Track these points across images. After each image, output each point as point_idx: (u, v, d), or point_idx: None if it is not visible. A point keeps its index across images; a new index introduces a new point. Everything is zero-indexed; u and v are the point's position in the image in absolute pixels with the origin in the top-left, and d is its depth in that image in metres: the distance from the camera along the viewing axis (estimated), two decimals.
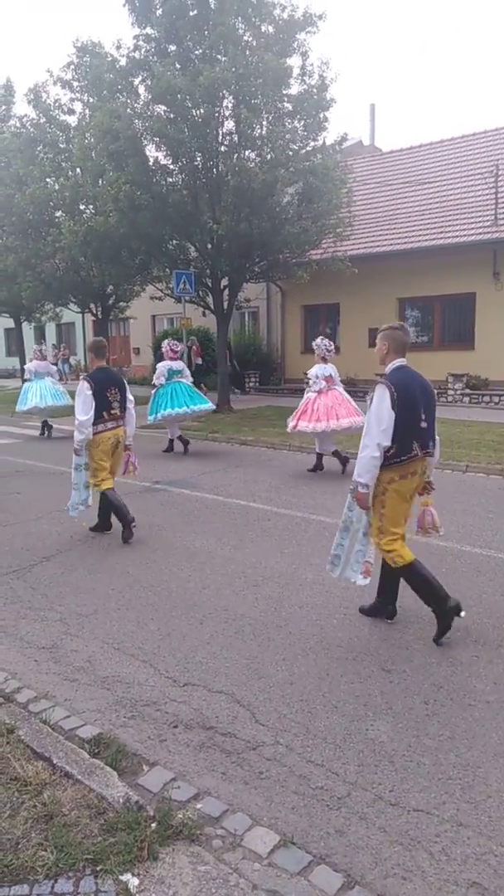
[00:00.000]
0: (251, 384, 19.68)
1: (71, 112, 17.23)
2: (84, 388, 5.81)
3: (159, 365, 10.65)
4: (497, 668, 3.47)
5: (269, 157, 13.09)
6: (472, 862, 2.19)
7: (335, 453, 8.73)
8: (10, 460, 10.25)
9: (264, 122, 13.43)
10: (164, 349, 10.60)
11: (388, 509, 3.87)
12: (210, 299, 15.21)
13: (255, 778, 2.63)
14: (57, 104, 17.12)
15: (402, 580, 3.97)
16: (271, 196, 12.77)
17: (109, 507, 6.05)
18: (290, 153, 13.33)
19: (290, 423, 8.71)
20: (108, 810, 2.35)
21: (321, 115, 13.52)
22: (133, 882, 2.07)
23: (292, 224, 13.36)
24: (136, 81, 13.97)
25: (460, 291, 16.43)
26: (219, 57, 13.03)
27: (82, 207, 16.14)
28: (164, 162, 13.87)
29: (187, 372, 10.73)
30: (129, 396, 6.12)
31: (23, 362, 22.70)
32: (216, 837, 2.30)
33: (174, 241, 14.75)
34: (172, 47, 13.47)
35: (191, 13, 12.97)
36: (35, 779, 2.51)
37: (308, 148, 13.78)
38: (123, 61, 13.96)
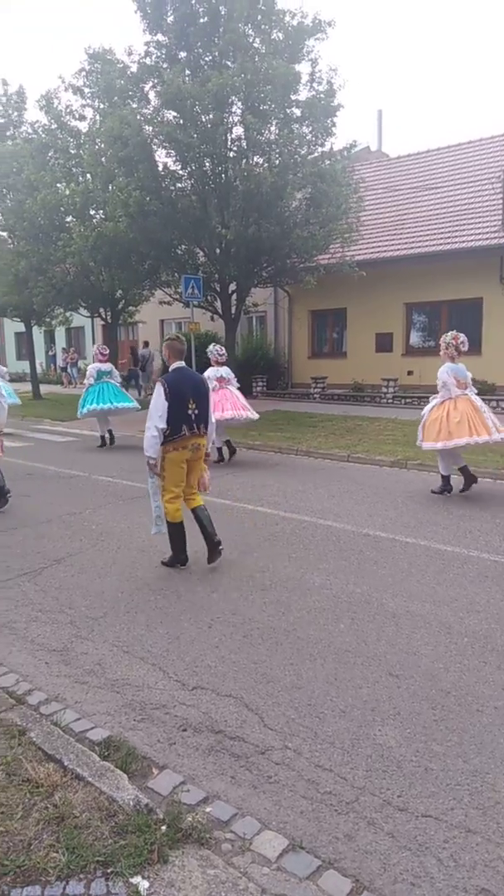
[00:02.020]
0: (258, 388, 19.71)
1: (82, 118, 17.35)
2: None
3: (90, 367, 12.38)
4: None
5: (277, 161, 13.14)
6: (481, 868, 2.20)
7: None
8: (21, 463, 10.30)
9: (273, 128, 13.49)
10: (94, 352, 12.53)
11: (167, 473, 5.13)
12: (218, 304, 15.27)
13: (264, 782, 2.65)
14: (68, 110, 17.25)
15: None
16: (280, 200, 12.83)
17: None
18: (299, 158, 13.39)
19: None
20: (119, 813, 2.37)
21: (329, 121, 13.58)
22: (143, 885, 2.08)
23: (301, 229, 13.41)
24: (147, 87, 14.08)
25: (467, 297, 16.41)
26: (228, 63, 13.11)
27: (92, 213, 16.24)
28: (173, 167, 13.96)
29: (116, 373, 12.36)
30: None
31: (34, 367, 22.80)
32: (225, 841, 2.32)
33: (183, 246, 14.83)
34: (183, 54, 13.57)
35: (201, 20, 13.07)
36: (46, 781, 2.53)
37: (316, 153, 13.84)
38: (134, 68, 14.08)
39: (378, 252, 17.22)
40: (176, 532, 5.27)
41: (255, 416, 10.24)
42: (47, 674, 3.55)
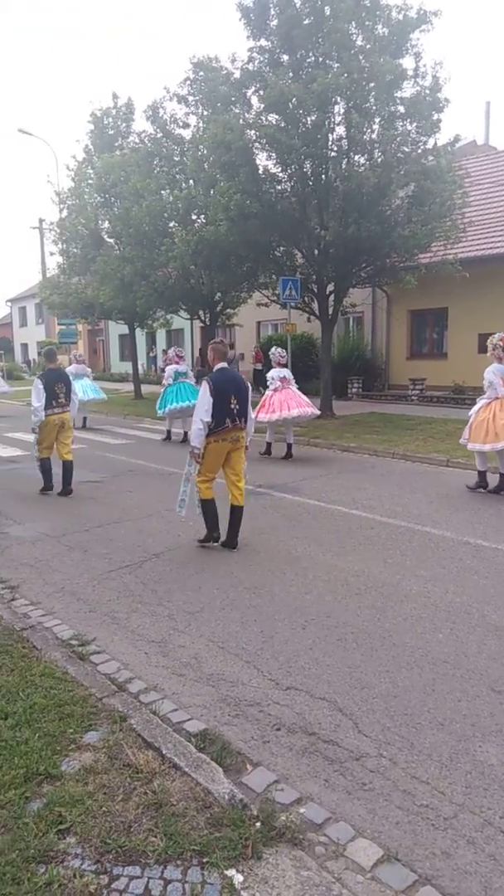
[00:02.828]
0: (354, 390, 19.47)
1: (186, 126, 17.83)
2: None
3: (167, 368, 12.86)
4: None
5: (379, 160, 12.91)
6: None
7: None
8: (123, 460, 10.74)
9: (375, 126, 13.27)
10: (170, 354, 13.09)
11: (206, 461, 5.72)
12: (315, 305, 15.21)
13: (358, 788, 2.61)
14: (173, 119, 17.78)
15: None
16: (382, 199, 12.59)
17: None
18: (402, 156, 13.09)
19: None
20: (214, 805, 2.42)
21: (435, 117, 13.18)
22: (238, 878, 2.11)
23: (402, 227, 13.10)
24: (249, 93, 14.25)
25: None
26: (331, 63, 13.03)
27: (194, 217, 16.64)
28: (273, 170, 14.04)
29: (190, 373, 12.91)
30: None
31: (136, 367, 23.69)
32: (319, 844, 2.30)
33: (281, 248, 14.89)
34: (285, 57, 13.62)
35: (305, 21, 13.06)
36: (146, 767, 2.62)
37: (419, 150, 13.47)
38: (237, 74, 14.28)
39: (484, 249, 16.55)
40: (208, 509, 5.85)
41: (317, 411, 11.02)
42: (146, 664, 3.67)
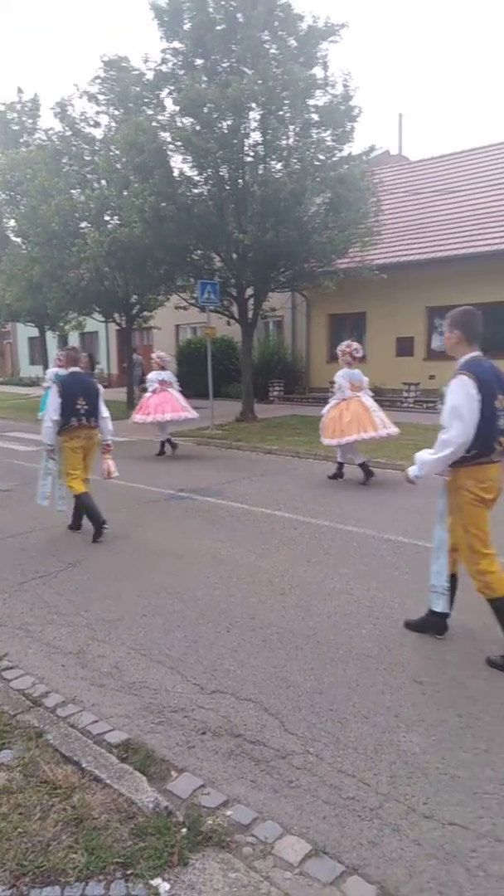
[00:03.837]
0: (275, 393, 19.66)
1: (97, 125, 17.47)
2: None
3: (48, 371, 11.92)
4: None
5: (296, 167, 13.13)
6: None
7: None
8: (34, 467, 10.34)
9: (291, 133, 13.49)
10: (56, 358, 12.49)
11: (65, 458, 6.27)
12: (235, 309, 15.26)
13: (285, 786, 2.59)
14: (83, 117, 17.37)
15: None
16: (299, 206, 12.79)
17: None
18: (318, 163, 13.37)
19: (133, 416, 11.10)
20: (138, 815, 2.34)
21: (349, 126, 13.55)
22: (164, 887, 2.04)
23: (319, 233, 13.36)
24: (163, 94, 14.16)
25: (491, 300, 16.25)
26: (245, 69, 13.14)
27: (107, 218, 16.33)
28: (189, 173, 14.00)
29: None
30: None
31: (45, 371, 22.96)
32: (246, 845, 2.27)
33: (199, 251, 14.84)
34: (199, 60, 13.63)
35: (218, 27, 13.12)
36: (65, 782, 2.50)
37: (335, 158, 13.80)
38: (150, 75, 14.16)
39: (399, 256, 17.13)
40: (83, 501, 6.18)
41: (195, 415, 11.22)
42: (64, 676, 3.52)
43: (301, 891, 2.07)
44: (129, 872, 2.08)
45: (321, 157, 13.47)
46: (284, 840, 2.29)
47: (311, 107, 13.44)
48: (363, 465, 8.63)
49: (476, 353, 3.69)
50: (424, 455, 3.66)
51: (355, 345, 8.93)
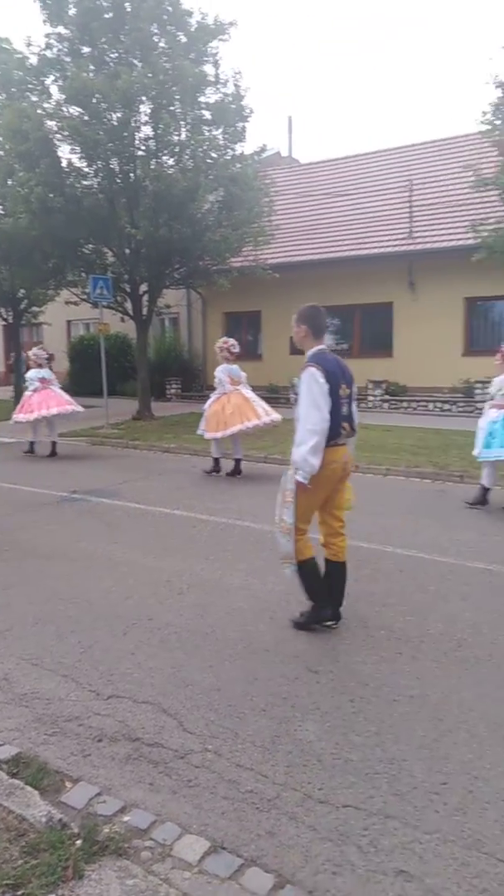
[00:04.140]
0: (173, 391, 19.53)
1: None
2: None
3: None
4: (419, 663, 3.58)
5: (189, 164, 13.08)
6: (399, 851, 2.23)
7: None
8: None
9: (182, 129, 13.43)
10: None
11: None
12: (129, 305, 15.00)
13: (184, 786, 2.59)
14: None
15: None
16: (192, 202, 12.75)
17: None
18: (210, 161, 13.39)
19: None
20: (30, 831, 2.24)
21: (240, 126, 13.67)
22: None
23: (213, 231, 13.39)
24: (48, 81, 13.64)
25: (379, 301, 16.98)
26: (134, 62, 12.93)
27: None
28: (78, 164, 13.58)
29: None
30: None
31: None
32: (145, 849, 2.24)
33: (90, 246, 14.45)
34: (86, 49, 13.24)
35: (105, 15, 12.81)
36: None
37: (228, 157, 13.88)
38: (34, 59, 13.59)
39: (292, 256, 17.50)
40: None
41: (80, 409, 11.04)
42: None
43: (200, 889, 2.07)
44: (19, 893, 1.99)
45: (213, 155, 13.51)
46: (183, 840, 2.29)
47: (202, 104, 13.44)
48: (238, 461, 8.91)
49: (321, 347, 4.01)
50: (298, 455, 3.79)
51: (231, 341, 9.18)
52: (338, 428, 3.84)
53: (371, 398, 16.05)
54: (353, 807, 2.45)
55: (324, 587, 4.06)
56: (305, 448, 3.73)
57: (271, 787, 2.58)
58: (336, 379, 3.84)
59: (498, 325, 16.25)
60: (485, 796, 2.50)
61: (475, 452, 7.20)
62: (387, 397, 16.03)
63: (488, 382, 15.67)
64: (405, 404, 15.82)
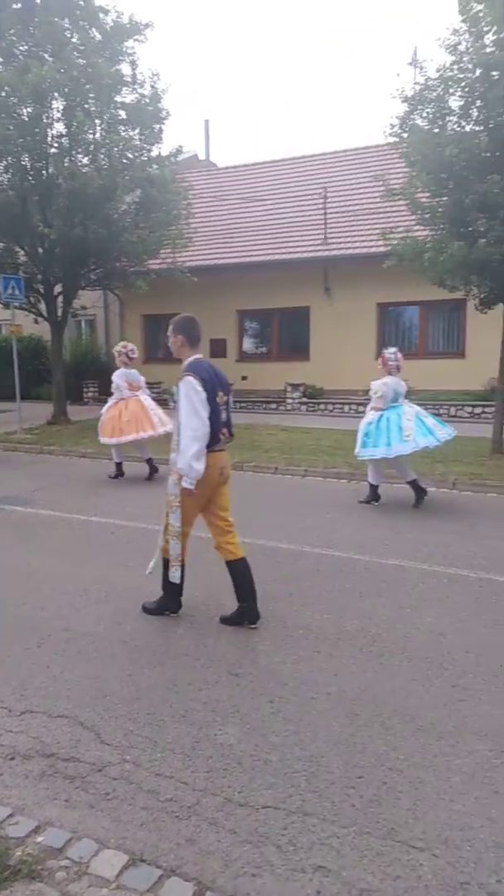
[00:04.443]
0: (90, 394, 19.09)
1: None
2: None
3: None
4: (336, 660, 3.66)
5: (105, 163, 12.84)
6: (318, 847, 2.27)
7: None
8: None
9: (98, 128, 13.17)
10: None
11: None
12: (43, 306, 14.55)
13: (102, 800, 2.53)
14: None
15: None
16: (108, 203, 12.52)
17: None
18: (126, 161, 13.21)
19: None
20: None
21: (157, 127, 13.56)
22: None
23: (130, 232, 13.20)
24: None
25: (296, 305, 17.26)
26: (46, 56, 12.57)
27: None
28: None
29: None
30: None
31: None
32: (60, 869, 2.17)
33: (1, 244, 13.93)
34: None
35: (14, 6, 12.39)
36: None
37: (144, 157, 13.73)
38: None
39: (209, 259, 17.51)
40: None
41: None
42: None
43: None
44: None
45: (130, 156, 13.33)
46: (101, 856, 2.23)
47: (118, 103, 13.24)
48: (149, 461, 8.89)
49: (198, 356, 4.16)
50: (182, 462, 3.87)
51: (130, 346, 9.23)
52: (217, 434, 3.96)
53: (289, 401, 16.29)
54: (273, 807, 2.48)
55: (178, 589, 4.24)
56: (189, 455, 3.83)
57: (191, 793, 2.56)
58: (213, 386, 3.97)
59: (408, 330, 16.92)
60: (398, 786, 2.59)
61: (355, 452, 7.56)
62: (304, 400, 16.31)
63: None
64: (322, 406, 16.15)
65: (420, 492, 7.31)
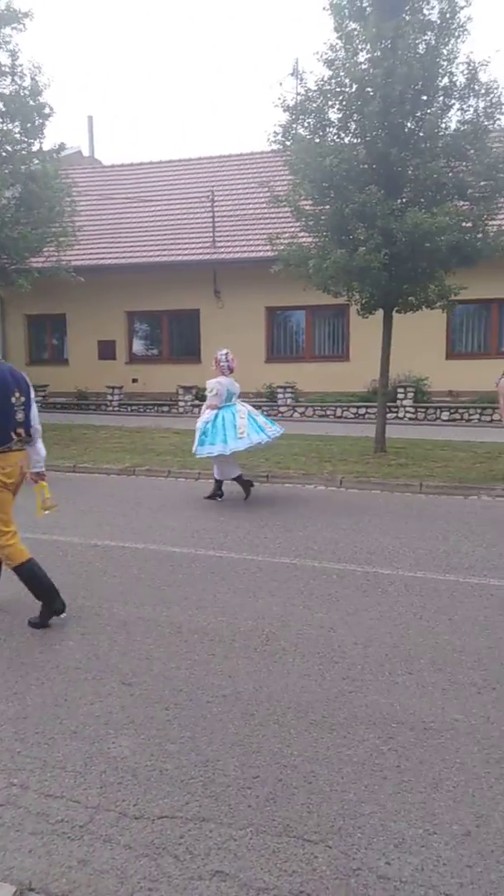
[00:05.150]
0: None
1: None
2: None
3: None
4: (231, 662, 3.68)
5: None
6: (215, 852, 2.27)
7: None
8: None
9: None
10: None
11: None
12: None
13: None
14: None
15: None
16: None
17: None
18: (5, 154, 12.62)
19: None
20: None
21: (38, 121, 13.06)
22: None
23: (10, 228, 12.60)
24: None
25: (186, 307, 17.23)
26: None
27: None
28: None
29: None
30: None
31: None
32: None
33: None
34: None
35: None
36: None
37: (24, 152, 13.16)
38: None
39: (96, 259, 17.09)
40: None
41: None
42: None
43: None
44: None
45: (8, 149, 12.75)
46: None
47: None
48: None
49: None
50: None
51: None
52: (8, 434, 4.02)
53: (182, 404, 16.23)
54: (169, 816, 2.45)
55: (46, 584, 4.19)
56: None
57: (84, 812, 2.48)
58: (7, 386, 4.03)
59: (295, 334, 17.38)
60: (293, 782, 2.64)
61: (193, 450, 7.78)
62: (197, 402, 16.29)
63: (290, 388, 16.67)
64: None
65: (247, 485, 7.73)
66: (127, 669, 3.60)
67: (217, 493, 7.78)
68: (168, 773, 2.71)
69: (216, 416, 7.54)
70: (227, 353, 7.70)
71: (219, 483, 7.76)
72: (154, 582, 4.98)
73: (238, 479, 7.75)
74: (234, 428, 7.42)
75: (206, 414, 7.67)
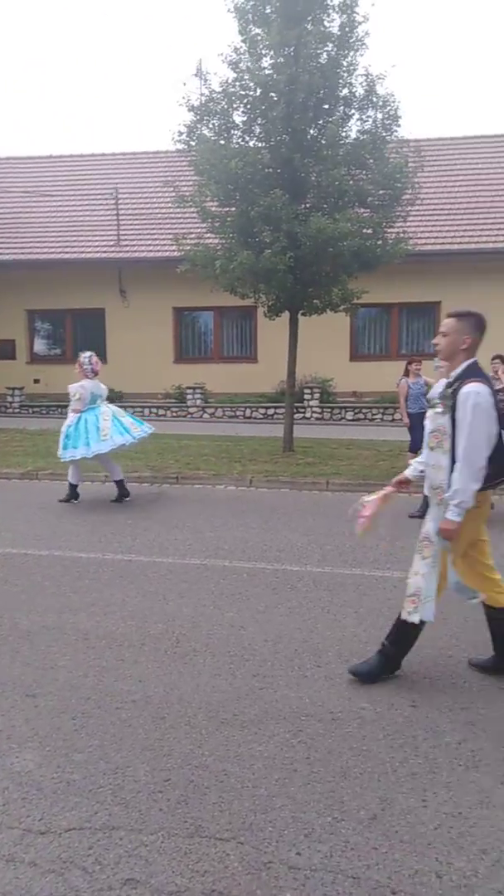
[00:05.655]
0: None
1: None
2: None
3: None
4: (141, 666, 3.62)
5: None
6: (125, 860, 2.22)
7: None
8: None
9: None
10: None
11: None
12: None
13: None
14: None
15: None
16: None
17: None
18: None
19: None
20: None
21: None
22: None
23: None
24: None
25: (91, 306, 16.80)
26: None
27: None
28: None
29: None
30: None
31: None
32: None
33: None
34: None
35: None
36: None
37: None
38: None
39: None
40: None
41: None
42: None
43: None
44: None
45: None
46: None
47: None
48: None
49: None
50: None
51: None
52: None
53: None
54: (77, 828, 2.37)
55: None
56: None
57: None
58: None
59: (203, 335, 17.38)
60: (205, 782, 2.63)
61: (58, 454, 7.73)
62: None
63: (199, 388, 16.64)
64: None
65: (123, 491, 7.71)
66: (30, 680, 3.46)
67: (73, 497, 7.62)
68: (75, 783, 2.62)
69: (79, 419, 7.49)
70: (90, 356, 7.65)
71: (73, 486, 7.63)
72: (59, 589, 4.82)
73: (119, 482, 7.71)
74: (97, 430, 7.41)
75: (70, 417, 7.60)
